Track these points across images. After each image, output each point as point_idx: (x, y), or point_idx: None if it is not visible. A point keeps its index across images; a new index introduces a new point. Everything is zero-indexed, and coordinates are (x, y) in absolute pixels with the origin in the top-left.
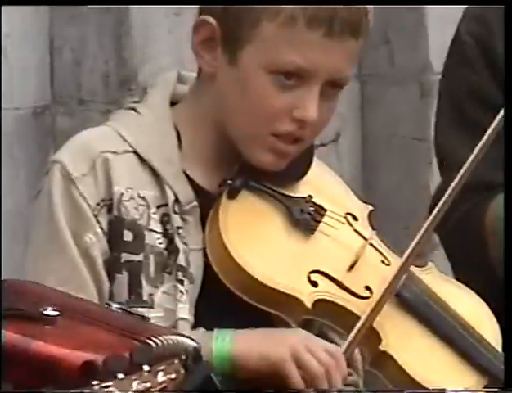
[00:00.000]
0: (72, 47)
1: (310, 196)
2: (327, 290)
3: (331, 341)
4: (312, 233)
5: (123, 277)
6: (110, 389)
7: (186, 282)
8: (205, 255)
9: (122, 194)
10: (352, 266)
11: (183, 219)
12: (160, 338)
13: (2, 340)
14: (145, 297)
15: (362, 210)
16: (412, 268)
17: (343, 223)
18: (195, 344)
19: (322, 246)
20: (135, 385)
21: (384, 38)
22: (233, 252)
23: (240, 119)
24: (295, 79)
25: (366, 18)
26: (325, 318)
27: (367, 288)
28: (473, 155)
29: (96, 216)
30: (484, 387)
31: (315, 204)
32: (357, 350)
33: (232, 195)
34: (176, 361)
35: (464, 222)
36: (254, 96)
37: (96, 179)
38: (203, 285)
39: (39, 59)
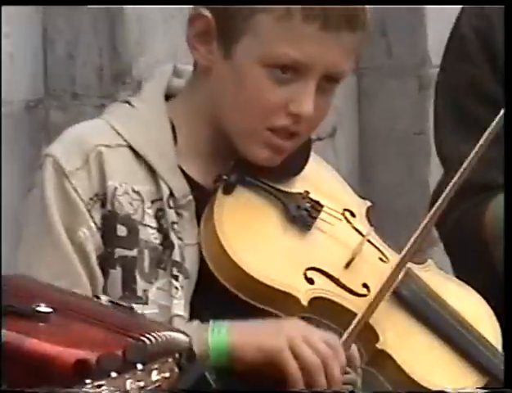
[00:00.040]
0: (65, 40)
1: (307, 192)
2: (324, 287)
3: None
4: (309, 230)
5: (116, 273)
6: (103, 388)
7: (181, 277)
8: (201, 249)
9: (116, 188)
10: (349, 263)
11: (178, 214)
12: (154, 335)
13: (2, 340)
14: (139, 293)
15: (360, 205)
16: (411, 266)
17: (341, 219)
18: (188, 341)
19: (319, 243)
20: (128, 384)
21: (382, 31)
22: (228, 249)
23: (236, 114)
24: (291, 73)
25: (362, 11)
26: (322, 316)
27: (364, 286)
28: (474, 151)
29: (89, 211)
30: (484, 386)
31: (312, 200)
32: (355, 348)
33: (228, 190)
34: (170, 360)
35: (463, 222)
36: (250, 90)
37: (89, 173)
38: (198, 280)
39: (32, 52)
